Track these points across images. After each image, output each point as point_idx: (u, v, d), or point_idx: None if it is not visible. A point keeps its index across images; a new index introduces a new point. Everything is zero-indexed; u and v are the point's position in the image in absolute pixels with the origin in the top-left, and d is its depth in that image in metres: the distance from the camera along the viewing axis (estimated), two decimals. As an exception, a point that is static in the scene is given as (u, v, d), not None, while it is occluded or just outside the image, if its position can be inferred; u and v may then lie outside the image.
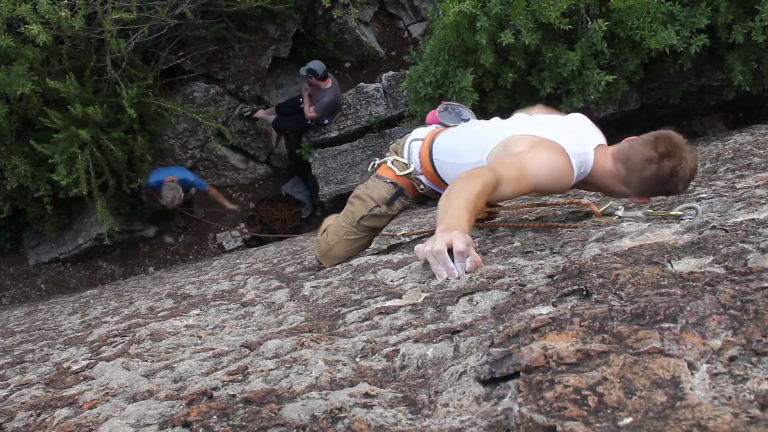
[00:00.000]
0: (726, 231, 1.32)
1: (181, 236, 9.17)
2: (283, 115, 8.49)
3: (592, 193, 3.48)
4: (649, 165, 2.12)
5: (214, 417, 0.92)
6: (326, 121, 8.40)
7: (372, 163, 2.97)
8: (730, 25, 5.37)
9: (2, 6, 6.01)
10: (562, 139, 2.20)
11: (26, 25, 5.92)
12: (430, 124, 2.96)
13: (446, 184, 2.46)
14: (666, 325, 0.86)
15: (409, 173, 2.78)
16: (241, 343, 1.47)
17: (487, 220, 2.97)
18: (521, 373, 0.84)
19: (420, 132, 2.86)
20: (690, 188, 2.56)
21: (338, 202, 8.18)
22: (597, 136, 2.38)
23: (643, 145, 2.16)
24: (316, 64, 7.68)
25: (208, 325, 2.03)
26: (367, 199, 2.84)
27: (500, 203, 2.91)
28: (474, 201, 1.90)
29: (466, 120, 2.83)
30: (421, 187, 2.80)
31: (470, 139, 2.57)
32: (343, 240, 2.90)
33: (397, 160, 2.82)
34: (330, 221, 3.19)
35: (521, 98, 6.10)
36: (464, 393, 0.88)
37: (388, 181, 2.82)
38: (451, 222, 1.80)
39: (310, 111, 8.06)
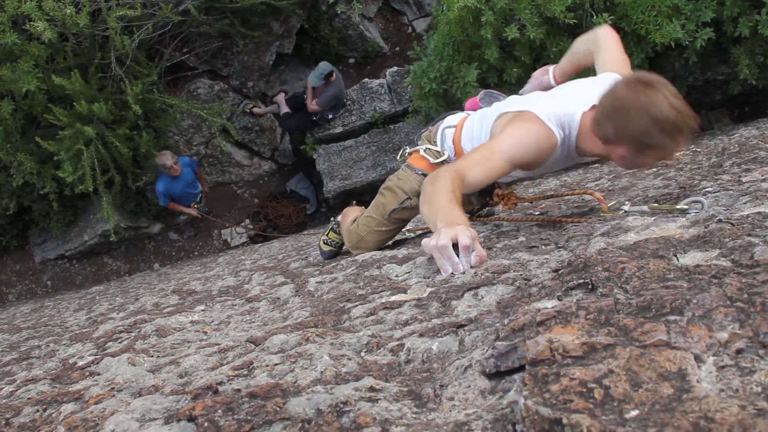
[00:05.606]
0: (732, 224, 1.32)
1: (185, 232, 9.21)
2: (291, 110, 8.50)
3: (598, 187, 3.47)
4: (621, 107, 1.96)
5: (219, 411, 0.92)
6: (330, 116, 8.40)
7: (402, 150, 2.90)
8: (736, 18, 5.33)
9: (8, 3, 6.03)
10: (534, 107, 2.19)
11: (31, 22, 5.94)
12: (468, 110, 2.91)
13: None
14: (672, 317, 0.86)
15: (443, 161, 2.70)
16: (246, 339, 1.47)
17: (490, 215, 2.96)
18: (527, 367, 0.84)
19: (453, 119, 2.80)
20: (696, 182, 2.55)
21: (343, 198, 8.19)
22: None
23: (615, 89, 2.03)
24: (325, 66, 7.69)
25: (213, 321, 2.03)
26: (398, 191, 2.79)
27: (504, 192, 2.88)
28: (452, 196, 1.93)
29: None
30: None
31: (482, 122, 2.56)
32: (374, 231, 2.88)
33: (429, 148, 2.76)
34: (354, 212, 3.14)
35: (526, 93, 6.09)
36: (469, 386, 0.88)
37: (420, 172, 2.74)
38: (451, 217, 1.81)
39: (312, 104, 8.07)
